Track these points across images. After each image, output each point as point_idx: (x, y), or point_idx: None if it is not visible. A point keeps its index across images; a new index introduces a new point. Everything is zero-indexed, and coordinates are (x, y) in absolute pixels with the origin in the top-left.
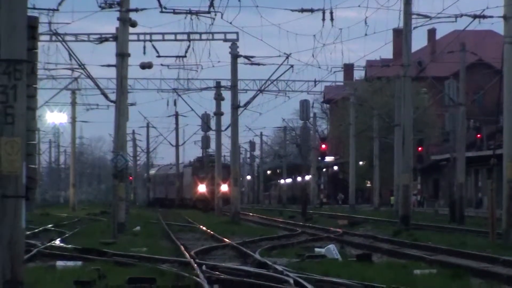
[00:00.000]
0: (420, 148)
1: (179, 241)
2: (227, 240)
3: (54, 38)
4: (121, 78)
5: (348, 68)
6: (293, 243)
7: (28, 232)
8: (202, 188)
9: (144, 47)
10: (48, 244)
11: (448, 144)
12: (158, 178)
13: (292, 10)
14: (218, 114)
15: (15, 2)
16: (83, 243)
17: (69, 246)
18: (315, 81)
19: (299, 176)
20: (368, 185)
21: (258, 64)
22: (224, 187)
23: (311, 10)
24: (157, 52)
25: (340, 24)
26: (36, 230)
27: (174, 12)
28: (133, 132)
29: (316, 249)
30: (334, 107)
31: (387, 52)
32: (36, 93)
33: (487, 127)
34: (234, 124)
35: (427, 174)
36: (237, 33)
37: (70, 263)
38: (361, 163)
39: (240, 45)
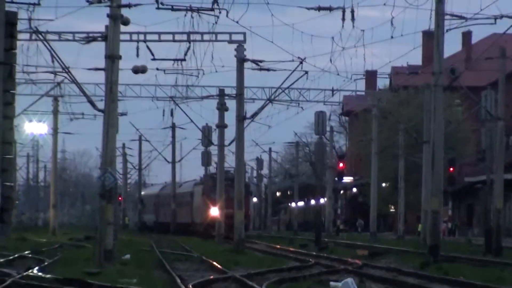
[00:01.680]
0: (452, 169)
1: (175, 272)
2: (230, 272)
3: (34, 36)
4: (111, 83)
5: (371, 76)
6: (305, 276)
7: (1, 260)
8: (214, 211)
9: (138, 49)
10: (25, 273)
11: (484, 164)
12: (162, 198)
13: (308, 8)
14: (221, 126)
15: None
16: (65, 272)
17: (49, 276)
18: (332, 90)
19: (312, 199)
20: (391, 210)
21: (268, 69)
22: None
23: (330, 9)
24: (152, 54)
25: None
26: (11, 258)
27: (173, 9)
28: (124, 146)
29: (332, 283)
30: (354, 120)
31: (416, 58)
32: (14, 100)
33: None
34: (240, 138)
35: (460, 199)
36: (244, 33)
37: None
38: (384, 185)
39: (248, 47)
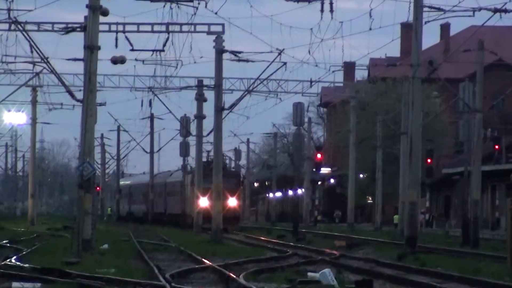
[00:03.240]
0: (429, 160)
1: (153, 262)
2: (208, 262)
3: (13, 27)
4: (90, 74)
5: (349, 67)
6: (283, 266)
7: None
8: (204, 202)
9: (116, 39)
10: (2, 263)
11: (461, 156)
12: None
13: (287, 0)
14: (200, 117)
15: None
16: (43, 262)
17: (27, 265)
18: (311, 81)
19: (290, 189)
20: (369, 201)
21: (247, 60)
22: (232, 201)
23: (308, 0)
24: (131, 45)
25: (341, 17)
26: None
27: (151, 0)
28: (102, 136)
29: (309, 274)
30: (332, 112)
31: (394, 50)
32: None
33: (507, 137)
34: (218, 129)
35: (437, 190)
36: (223, 24)
37: (27, 285)
38: (361, 176)
39: (226, 38)
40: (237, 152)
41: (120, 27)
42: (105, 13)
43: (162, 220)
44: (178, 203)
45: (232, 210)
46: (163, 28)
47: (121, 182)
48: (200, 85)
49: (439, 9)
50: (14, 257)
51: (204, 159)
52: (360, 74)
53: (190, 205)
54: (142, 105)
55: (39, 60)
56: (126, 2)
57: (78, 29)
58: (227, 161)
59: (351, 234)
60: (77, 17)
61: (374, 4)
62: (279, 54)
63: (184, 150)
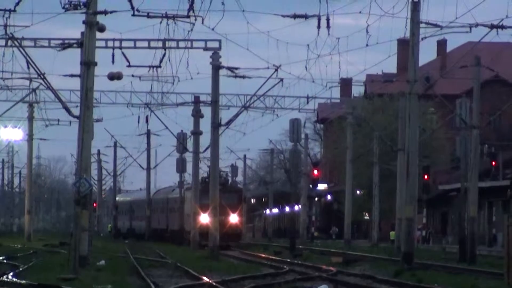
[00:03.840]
0: (426, 177)
1: (149, 278)
2: (205, 278)
3: (10, 43)
4: (86, 90)
5: (346, 83)
6: (280, 283)
7: None
8: (205, 218)
9: (113, 55)
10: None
11: (458, 172)
12: (155, 204)
13: (283, 16)
14: (196, 133)
15: None
16: (40, 278)
17: (24, 281)
18: (307, 98)
19: (287, 206)
20: (366, 217)
21: (243, 76)
22: (234, 218)
23: (305, 16)
24: (128, 61)
25: (337, 33)
26: None
27: (148, 16)
28: (99, 153)
29: None
30: (328, 128)
31: (391, 66)
32: None
33: (504, 154)
34: (214, 145)
35: (434, 206)
36: (219, 41)
37: None
38: (358, 192)
39: (223, 54)
40: (234, 168)
41: (117, 43)
42: (101, 29)
43: (164, 237)
44: (177, 220)
45: (234, 227)
46: (160, 44)
47: (121, 198)
48: (196, 101)
49: (435, 25)
50: (11, 273)
51: (206, 175)
52: (357, 90)
53: (190, 221)
54: (138, 121)
55: (36, 76)
56: (122, 18)
57: (74, 45)
58: (229, 177)
59: (348, 250)
60: (74, 33)
61: (371, 20)
62: (276, 70)
63: (181, 166)
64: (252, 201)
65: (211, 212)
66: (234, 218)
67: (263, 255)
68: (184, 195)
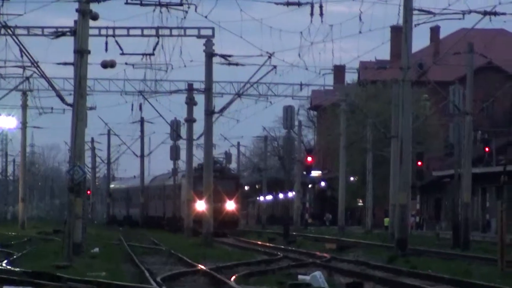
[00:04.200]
0: (420, 163)
1: (144, 265)
2: (199, 265)
3: (3, 31)
4: (80, 78)
5: (339, 70)
6: (274, 269)
7: None
8: (200, 206)
9: (106, 43)
10: None
11: (452, 158)
12: (152, 191)
13: (276, 3)
14: (190, 120)
15: None
16: (34, 266)
17: (18, 269)
18: (301, 85)
19: (281, 192)
20: (359, 204)
21: (237, 64)
22: (230, 205)
23: (298, 4)
24: (121, 49)
25: (330, 20)
26: None
27: (141, 4)
28: (92, 140)
29: (300, 277)
30: (322, 115)
31: (384, 53)
32: None
33: (497, 140)
34: (208, 133)
35: (428, 193)
36: (212, 28)
37: None
38: (352, 179)
39: (216, 42)
40: (228, 155)
41: (110, 31)
42: (95, 17)
43: (160, 224)
44: (173, 207)
45: (231, 214)
46: (153, 32)
47: (117, 186)
48: (190, 89)
49: (428, 12)
50: (5, 261)
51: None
52: (350, 77)
53: (186, 209)
54: (132, 109)
55: (29, 64)
56: (116, 6)
57: (68, 34)
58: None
59: (341, 236)
60: (67, 22)
61: (364, 8)
62: (269, 57)
63: (174, 153)
64: (246, 188)
65: (205, 199)
66: (231, 205)
67: (258, 242)
68: (180, 182)
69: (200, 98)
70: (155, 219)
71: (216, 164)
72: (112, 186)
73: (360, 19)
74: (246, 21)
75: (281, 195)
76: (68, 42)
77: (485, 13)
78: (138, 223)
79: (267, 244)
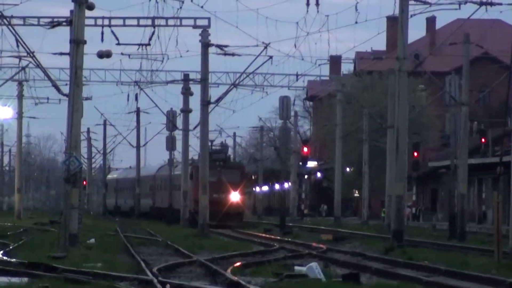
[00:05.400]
0: (416, 154)
1: (140, 256)
2: (194, 256)
3: None
4: (76, 68)
5: (335, 61)
6: (270, 260)
7: None
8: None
9: (102, 33)
10: None
11: (448, 149)
12: (159, 181)
13: None
14: (186, 111)
15: None
16: (30, 256)
17: (14, 260)
18: (297, 75)
19: (277, 183)
20: (356, 195)
21: (233, 54)
22: (235, 196)
23: None
24: (117, 39)
25: (326, 10)
26: None
27: None
28: (88, 131)
29: (296, 268)
30: (318, 105)
31: (380, 43)
32: None
33: (493, 130)
34: (204, 123)
35: (424, 184)
36: (208, 18)
37: (14, 280)
38: (348, 169)
39: (212, 32)
40: (224, 146)
41: (106, 21)
42: (90, 7)
43: (166, 216)
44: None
45: (235, 206)
46: (149, 22)
47: (117, 176)
48: (186, 79)
49: (425, 2)
50: (1, 251)
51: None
52: (346, 67)
53: (191, 199)
54: (128, 99)
55: (25, 54)
56: None
57: (64, 23)
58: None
59: (338, 227)
60: (63, 11)
61: None
62: (265, 48)
63: (170, 144)
64: None
65: (201, 190)
66: (235, 197)
67: (254, 233)
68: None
69: (196, 88)
70: (162, 210)
71: (220, 153)
72: (115, 176)
73: (356, 9)
74: (242, 11)
75: (277, 186)
76: (64, 32)
77: (481, 4)
78: (147, 214)
79: (263, 235)
